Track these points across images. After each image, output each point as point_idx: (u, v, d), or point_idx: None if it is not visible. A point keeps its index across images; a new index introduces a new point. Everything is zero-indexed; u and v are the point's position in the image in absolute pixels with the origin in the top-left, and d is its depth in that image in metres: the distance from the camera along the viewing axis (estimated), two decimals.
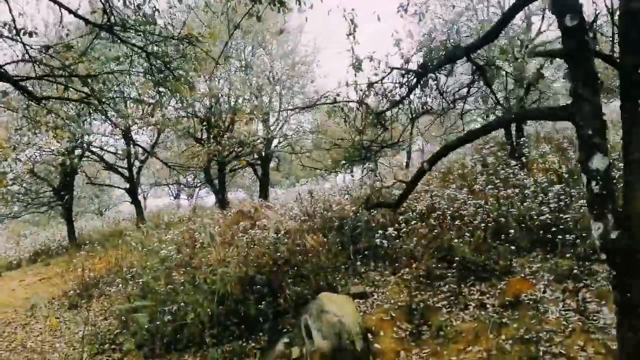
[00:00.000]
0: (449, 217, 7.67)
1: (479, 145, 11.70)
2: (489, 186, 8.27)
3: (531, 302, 5.82)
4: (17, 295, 11.82)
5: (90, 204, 29.77)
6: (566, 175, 8.36)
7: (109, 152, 17.96)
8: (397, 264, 7.45)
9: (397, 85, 4.65)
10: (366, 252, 8.05)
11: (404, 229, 7.81)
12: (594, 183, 2.97)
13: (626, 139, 2.98)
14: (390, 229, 7.59)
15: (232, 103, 18.80)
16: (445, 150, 3.73)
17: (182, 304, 7.32)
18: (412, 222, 7.85)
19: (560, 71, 10.48)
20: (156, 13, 5.24)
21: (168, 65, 5.27)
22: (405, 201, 5.77)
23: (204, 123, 16.93)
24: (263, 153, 21.27)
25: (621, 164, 3.13)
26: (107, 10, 4.79)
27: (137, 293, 8.72)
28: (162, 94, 5.40)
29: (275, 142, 22.14)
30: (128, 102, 7.45)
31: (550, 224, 6.93)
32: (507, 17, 3.62)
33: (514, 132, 11.07)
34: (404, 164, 20.62)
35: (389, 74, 4.48)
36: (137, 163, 19.05)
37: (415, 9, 5.11)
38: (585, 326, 5.19)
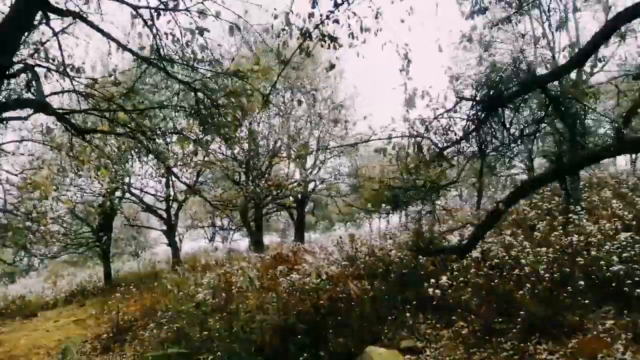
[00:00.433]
0: (508, 266, 7.04)
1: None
2: (553, 233, 7.63)
3: None
4: (51, 337, 11.64)
5: (128, 246, 30.05)
6: (634, 223, 7.68)
7: (148, 193, 18.06)
8: (452, 317, 6.82)
9: (463, 118, 4.28)
10: (414, 303, 7.46)
11: (460, 278, 7.20)
12: None
13: None
14: (444, 278, 7.00)
15: (271, 146, 18.83)
16: (526, 189, 3.29)
17: (218, 352, 6.88)
18: (469, 271, 7.25)
19: None
20: (204, 51, 5.12)
21: (215, 103, 5.08)
22: (475, 247, 5.26)
23: (243, 165, 16.87)
24: (299, 196, 21.08)
25: None
26: (156, 46, 4.67)
27: (171, 338, 8.33)
28: (208, 132, 5.19)
29: (311, 185, 21.93)
30: (170, 142, 7.32)
31: (623, 275, 6.24)
32: (596, 43, 3.24)
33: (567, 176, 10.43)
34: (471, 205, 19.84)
35: (457, 104, 4.12)
36: (174, 205, 19.12)
37: (478, 38, 4.80)
38: None
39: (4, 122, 5.42)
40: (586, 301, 6.08)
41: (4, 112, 4.63)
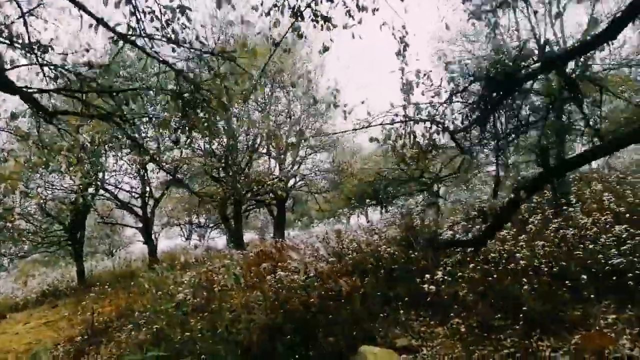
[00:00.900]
0: (504, 261, 6.81)
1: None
2: (548, 226, 7.43)
3: None
4: (20, 340, 11.00)
5: (101, 244, 29.21)
6: (627, 215, 7.55)
7: (123, 190, 17.42)
8: (448, 314, 6.55)
9: (466, 104, 3.97)
10: (407, 299, 7.17)
11: (456, 273, 6.94)
12: None
13: None
14: (440, 273, 6.73)
15: (250, 142, 18.40)
16: (551, 175, 3.00)
17: (201, 355, 6.46)
18: (465, 265, 6.99)
19: None
20: (186, 30, 4.71)
21: (199, 86, 4.66)
22: (492, 239, 4.97)
23: (222, 161, 16.40)
24: (279, 192, 20.70)
25: None
26: (136, 19, 4.23)
27: (150, 340, 7.87)
28: (189, 119, 4.76)
29: (291, 181, 21.59)
30: (148, 130, 6.86)
31: (623, 268, 6.07)
32: (624, 20, 2.95)
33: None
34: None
35: (470, 84, 3.80)
36: (150, 202, 18.51)
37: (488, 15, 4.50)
38: None
39: None
40: (589, 295, 5.89)
41: None
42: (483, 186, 17.81)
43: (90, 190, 16.41)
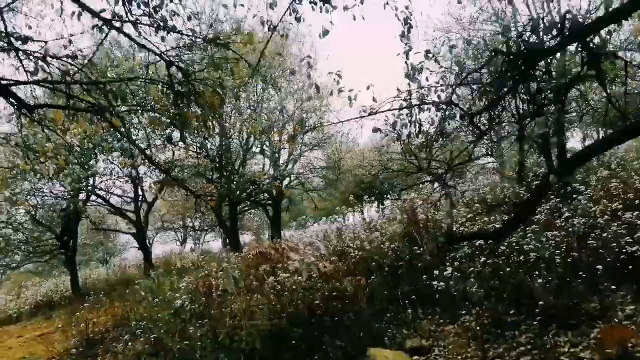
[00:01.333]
0: (514, 253, 6.56)
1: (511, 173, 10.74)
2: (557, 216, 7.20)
3: None
4: (14, 355, 10.64)
5: (95, 252, 28.77)
6: (636, 202, 7.33)
7: (115, 195, 17.02)
8: (458, 311, 6.29)
9: (473, 85, 3.69)
10: (413, 297, 6.90)
11: (469, 269, 6.67)
12: None
13: None
14: (450, 269, 6.46)
15: (244, 141, 18.09)
16: (583, 158, 2.74)
17: None
18: (474, 260, 6.73)
19: None
20: (176, 17, 4.40)
21: (192, 77, 4.36)
22: (516, 230, 4.68)
23: (216, 162, 16.06)
24: (274, 192, 20.41)
25: None
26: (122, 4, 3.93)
27: (148, 350, 7.56)
28: (184, 112, 4.45)
29: (286, 181, 21.30)
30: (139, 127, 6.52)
31: (638, 256, 5.84)
32: None
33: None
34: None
35: (490, 60, 3.51)
36: (144, 207, 18.15)
37: None
38: None
39: None
40: (605, 286, 5.64)
41: None
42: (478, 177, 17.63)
43: (81, 196, 16.02)
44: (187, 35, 4.05)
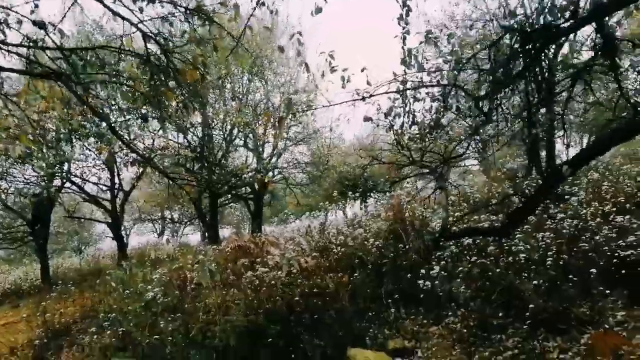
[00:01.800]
0: (502, 254, 6.32)
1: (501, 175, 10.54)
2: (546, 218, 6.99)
3: None
4: None
5: (70, 241, 27.98)
6: (627, 206, 7.18)
7: (90, 182, 16.39)
8: (444, 312, 6.04)
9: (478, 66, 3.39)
10: (396, 296, 6.63)
11: (458, 268, 6.42)
12: None
13: None
14: (437, 268, 6.20)
15: (227, 133, 17.65)
16: (604, 145, 2.48)
17: None
18: (461, 259, 6.49)
19: None
20: None
21: (171, 51, 3.99)
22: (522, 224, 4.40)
23: (197, 152, 15.58)
24: (257, 186, 20.03)
25: None
26: None
27: (115, 344, 7.16)
28: (161, 89, 4.08)
29: (269, 175, 20.88)
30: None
31: (630, 261, 5.66)
32: None
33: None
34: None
35: (501, 37, 3.22)
36: (120, 195, 17.55)
37: None
38: None
39: None
40: (596, 291, 5.45)
41: None
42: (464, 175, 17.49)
43: (56, 182, 15.40)
44: (167, 1, 3.69)
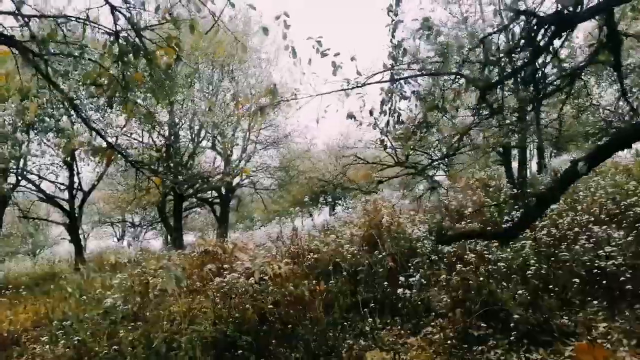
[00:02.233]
0: (485, 263, 6.17)
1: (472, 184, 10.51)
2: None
3: None
4: None
5: (23, 244, 26.65)
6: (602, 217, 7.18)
7: (48, 180, 15.51)
8: (423, 322, 5.81)
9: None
10: (372, 304, 6.37)
11: (434, 277, 6.22)
12: None
13: None
14: (417, 276, 5.98)
15: (194, 133, 17.15)
16: (616, 144, 2.29)
17: None
18: (440, 267, 6.29)
19: None
20: None
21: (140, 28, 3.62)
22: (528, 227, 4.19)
23: (163, 150, 15.01)
24: (223, 190, 19.55)
25: None
26: None
27: (70, 355, 6.62)
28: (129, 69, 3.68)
29: (237, 179, 20.42)
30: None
31: (611, 272, 5.59)
32: None
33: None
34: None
35: (513, 21, 3.01)
36: (79, 196, 16.71)
37: None
38: None
39: None
40: (577, 301, 5.34)
41: None
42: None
43: (10, 179, 14.52)
44: None
